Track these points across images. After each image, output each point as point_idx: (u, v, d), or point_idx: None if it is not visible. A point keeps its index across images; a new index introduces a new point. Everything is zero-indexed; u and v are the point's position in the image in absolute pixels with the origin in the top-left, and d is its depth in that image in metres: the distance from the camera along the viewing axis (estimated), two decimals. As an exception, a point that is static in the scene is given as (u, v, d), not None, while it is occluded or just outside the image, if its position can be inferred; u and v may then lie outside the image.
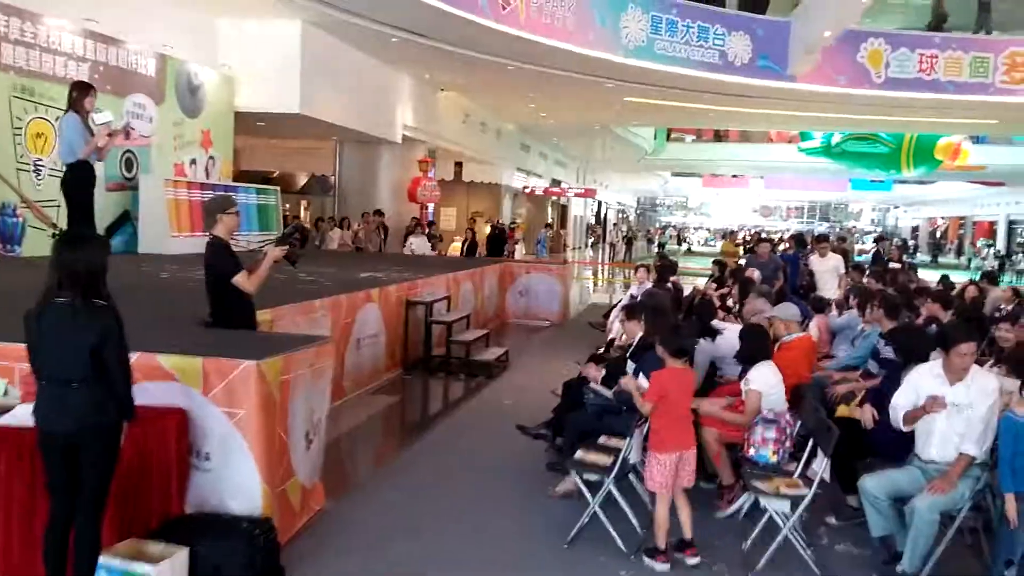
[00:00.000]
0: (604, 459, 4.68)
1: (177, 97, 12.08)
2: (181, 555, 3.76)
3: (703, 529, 4.83)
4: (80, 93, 6.87)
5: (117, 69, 10.84)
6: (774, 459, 4.67)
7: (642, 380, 4.99)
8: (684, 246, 54.09)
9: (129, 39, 11.05)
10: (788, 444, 4.72)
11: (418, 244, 16.32)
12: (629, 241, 38.32)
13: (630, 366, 5.53)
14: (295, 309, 6.53)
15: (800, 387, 5.16)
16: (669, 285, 8.51)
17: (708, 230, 65.53)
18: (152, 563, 3.63)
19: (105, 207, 10.63)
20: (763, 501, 4.39)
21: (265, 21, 12.77)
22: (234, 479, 4.20)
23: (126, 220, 11.18)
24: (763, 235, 14.92)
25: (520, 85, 17.99)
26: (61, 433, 3.34)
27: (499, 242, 19.87)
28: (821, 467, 4.30)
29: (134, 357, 4.16)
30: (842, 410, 5.47)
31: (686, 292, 9.87)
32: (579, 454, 4.81)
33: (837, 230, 51.19)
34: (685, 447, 4.34)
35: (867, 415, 4.93)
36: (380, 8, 12.20)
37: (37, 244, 9.14)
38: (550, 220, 32.08)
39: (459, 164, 24.77)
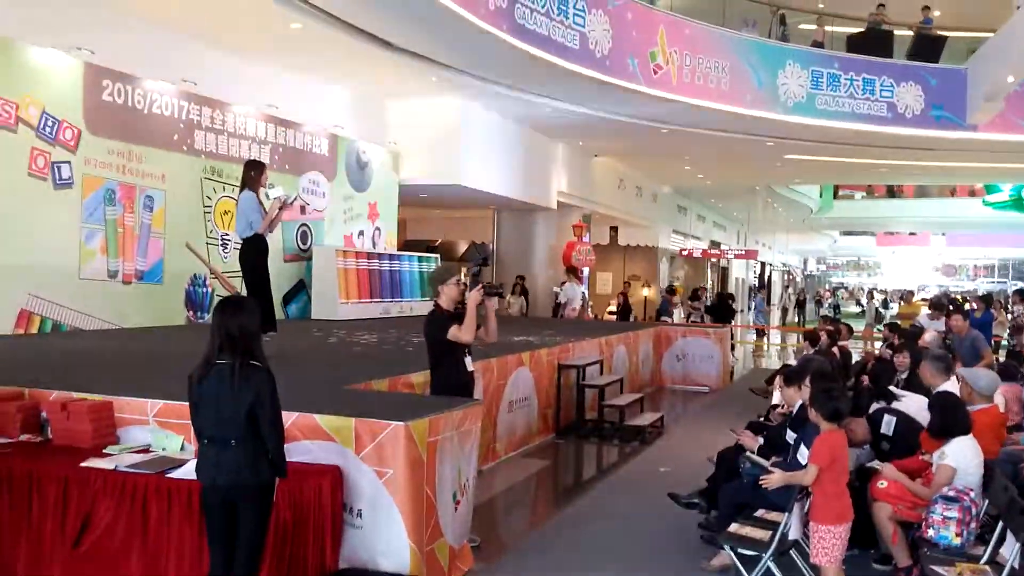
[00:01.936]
0: (761, 534, 4.43)
1: (347, 173, 12.90)
2: (334, 611, 3.87)
3: (875, 613, 4.47)
4: (257, 172, 7.45)
5: (294, 150, 11.75)
6: (957, 541, 4.24)
7: (803, 451, 4.73)
8: (860, 308, 51.11)
9: (305, 122, 11.97)
10: (973, 525, 4.28)
11: (571, 291, 16.36)
12: (801, 304, 36.58)
13: (790, 436, 5.26)
14: (448, 372, 6.67)
15: (987, 463, 4.69)
16: (835, 350, 8.05)
17: (884, 292, 61.80)
18: (306, 618, 3.75)
19: (282, 276, 11.44)
20: (942, 586, 3.98)
21: (428, 99, 13.48)
22: (384, 537, 4.29)
23: (301, 289, 11.94)
24: (947, 295, 13.60)
25: (675, 148, 17.94)
26: (221, 487, 3.53)
27: (726, 308, 19.40)
28: (1012, 553, 3.87)
29: (294, 416, 4.43)
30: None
31: (857, 357, 9.32)
32: (734, 527, 4.58)
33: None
34: (851, 517, 4.05)
35: (1064, 493, 4.40)
36: (534, 82, 12.61)
37: (222, 312, 9.90)
38: (709, 283, 31.33)
39: (614, 228, 24.81)
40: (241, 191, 7.49)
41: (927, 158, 18.12)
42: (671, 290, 24.00)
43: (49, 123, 8.30)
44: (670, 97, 13.37)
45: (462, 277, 5.52)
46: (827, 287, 58.55)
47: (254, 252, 7.45)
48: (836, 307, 41.44)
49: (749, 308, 29.92)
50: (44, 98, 8.25)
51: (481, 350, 8.22)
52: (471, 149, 13.91)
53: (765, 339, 21.64)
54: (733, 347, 17.68)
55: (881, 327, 22.70)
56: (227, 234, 10.31)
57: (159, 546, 4.03)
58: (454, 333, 5.21)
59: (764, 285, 44.78)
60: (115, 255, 8.97)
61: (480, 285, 5.36)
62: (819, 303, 44.14)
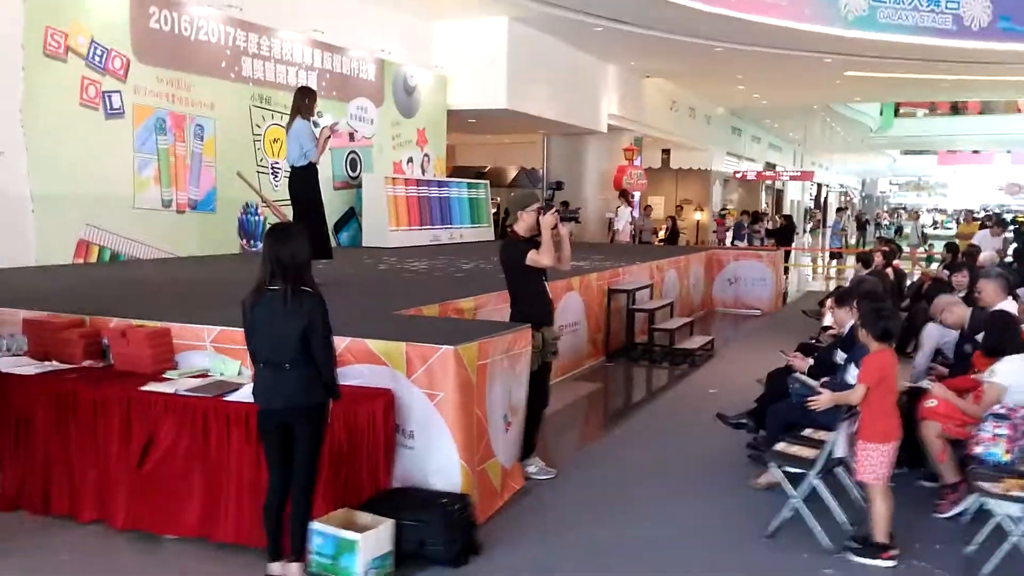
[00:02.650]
0: (808, 452, 4.44)
1: (395, 99, 12.84)
2: (386, 526, 3.99)
3: (922, 531, 4.49)
4: (310, 99, 7.41)
5: (341, 76, 11.70)
6: (1007, 458, 4.21)
7: (852, 371, 4.69)
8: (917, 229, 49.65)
9: (351, 47, 11.88)
10: (1023, 443, 4.23)
11: (623, 214, 16.29)
12: (863, 225, 35.50)
13: (840, 356, 5.22)
14: (497, 297, 6.72)
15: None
16: (889, 271, 7.89)
17: (944, 211, 59.90)
18: (360, 532, 3.90)
19: (333, 204, 11.53)
20: (990, 503, 3.96)
21: (474, 20, 13.25)
22: (435, 457, 4.40)
23: (352, 216, 12.05)
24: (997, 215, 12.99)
25: (730, 67, 17.42)
26: (277, 410, 3.64)
27: (788, 231, 19.35)
28: (1063, 469, 3.83)
29: (346, 341, 4.53)
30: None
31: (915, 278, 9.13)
32: (781, 446, 4.60)
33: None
34: (899, 435, 4.04)
35: None
36: (583, -1, 12.27)
37: (275, 240, 10.07)
38: (764, 206, 30.71)
39: (667, 151, 24.39)
40: (292, 118, 7.48)
41: (994, 72, 17.31)
42: (722, 214, 23.67)
43: (98, 52, 8.39)
44: (725, 13, 12.90)
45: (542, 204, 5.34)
46: (885, 208, 57.02)
47: (307, 180, 7.48)
48: (899, 229, 40.23)
49: (826, 229, 29.03)
50: (92, 27, 8.32)
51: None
52: (519, 71, 13.68)
53: (836, 261, 21.13)
54: (787, 270, 17.45)
55: (925, 247, 22.11)
56: (277, 162, 10.41)
57: (219, 466, 4.20)
58: (533, 257, 5.12)
59: (820, 206, 43.81)
60: (168, 184, 9.14)
61: (555, 209, 5.22)
62: (878, 225, 42.99)
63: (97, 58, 8.40)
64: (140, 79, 8.81)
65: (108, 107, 8.53)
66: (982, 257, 7.95)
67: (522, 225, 5.28)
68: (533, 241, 5.22)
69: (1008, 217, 25.05)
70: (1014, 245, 14.36)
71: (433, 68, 13.65)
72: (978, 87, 21.45)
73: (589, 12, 12.90)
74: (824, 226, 40.52)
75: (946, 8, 15.09)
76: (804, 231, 39.15)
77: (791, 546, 4.30)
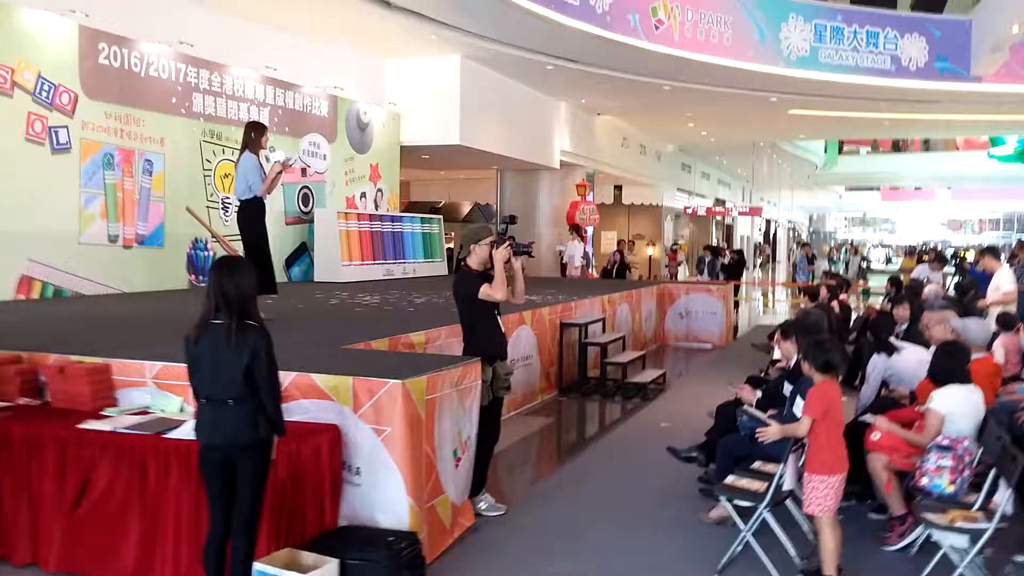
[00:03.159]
0: (757, 485, 4.46)
1: (348, 135, 12.83)
2: (331, 567, 3.90)
3: (870, 563, 4.52)
4: (257, 133, 7.36)
5: (293, 112, 11.67)
6: (951, 489, 4.26)
7: (799, 403, 4.74)
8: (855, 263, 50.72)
9: (304, 83, 11.87)
10: (967, 473, 4.30)
11: (572, 248, 16.37)
12: (811, 260, 36.24)
13: (787, 388, 5.28)
14: (448, 331, 6.70)
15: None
16: (835, 304, 8.04)
17: (889, 247, 61.45)
18: (304, 572, 3.80)
19: (284, 239, 11.45)
20: (936, 535, 4.02)
21: (427, 58, 13.35)
22: (383, 494, 4.32)
23: (304, 251, 11.94)
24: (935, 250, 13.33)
25: (678, 105, 17.76)
26: (219, 447, 3.56)
27: (739, 266, 19.72)
28: (1004, 499, 3.89)
29: (292, 376, 4.46)
30: (1033, 437, 4.94)
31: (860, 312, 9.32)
32: (730, 479, 4.61)
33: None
34: (845, 468, 4.08)
35: (1057, 442, 4.42)
36: (534, 38, 12.46)
37: (223, 275, 9.93)
38: (717, 242, 31.19)
39: (619, 187, 24.70)
40: (241, 153, 7.42)
41: (931, 111, 17.92)
42: (674, 249, 24.01)
43: (45, 87, 8.25)
44: (672, 53, 13.20)
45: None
46: (833, 243, 58.28)
47: (252, 215, 7.40)
48: (847, 264, 41.02)
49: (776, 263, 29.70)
50: (39, 62, 8.20)
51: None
52: (471, 108, 13.80)
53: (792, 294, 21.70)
54: (738, 304, 17.73)
55: (861, 281, 22.77)
56: (227, 197, 10.29)
57: (158, 506, 4.07)
58: (485, 291, 5.09)
59: (769, 241, 44.66)
60: (115, 219, 8.97)
61: (507, 242, 5.19)
62: (829, 260, 43.81)
63: (44, 93, 8.26)
64: (88, 114, 8.68)
65: (55, 142, 8.38)
66: (927, 291, 8.16)
67: (475, 259, 5.25)
68: (486, 275, 5.21)
69: (949, 252, 25.78)
70: (955, 279, 14.76)
71: (386, 105, 13.70)
72: (918, 126, 22.18)
73: (539, 51, 13.08)
74: (774, 261, 41.33)
75: (884, 49, 15.65)
76: (754, 266, 39.86)
77: (742, 580, 4.30)
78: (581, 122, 18.55)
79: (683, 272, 24.46)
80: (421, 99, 13.64)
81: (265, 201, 7.37)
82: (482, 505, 5.28)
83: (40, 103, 8.20)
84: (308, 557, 3.96)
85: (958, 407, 4.49)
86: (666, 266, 23.13)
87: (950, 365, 4.66)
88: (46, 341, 5.40)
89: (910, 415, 4.96)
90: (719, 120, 19.99)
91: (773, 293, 27.40)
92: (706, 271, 20.57)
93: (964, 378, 4.61)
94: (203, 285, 10.01)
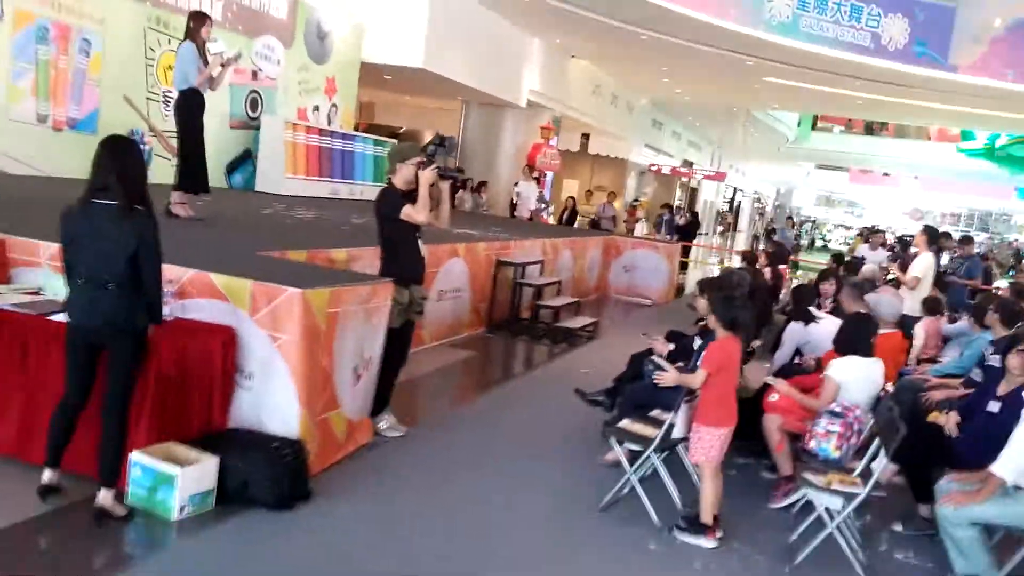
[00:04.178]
0: (651, 431, 4.46)
1: (305, 42, 12.40)
2: (209, 463, 3.85)
3: (751, 519, 4.59)
4: (197, 22, 7.02)
5: (249, 10, 11.20)
6: (836, 454, 4.31)
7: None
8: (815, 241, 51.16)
9: (264, -19, 11.39)
10: (854, 441, 4.35)
11: (524, 188, 16.15)
12: (770, 232, 36.61)
13: (697, 343, 5.28)
14: (374, 252, 6.53)
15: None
16: (767, 270, 8.07)
17: (848, 228, 62.21)
18: (181, 466, 3.72)
19: (227, 143, 11.10)
20: (812, 495, 4.07)
21: (397, -29, 12.89)
22: (273, 401, 4.25)
23: (247, 158, 11.60)
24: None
25: (655, 57, 17.49)
26: (91, 329, 3.46)
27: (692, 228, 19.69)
28: (880, 467, 3.94)
29: (190, 274, 4.32)
30: (933, 416, 5.03)
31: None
32: (624, 423, 4.62)
33: (996, 242, 47.12)
34: (733, 422, 4.10)
35: (951, 422, 4.51)
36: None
37: (161, 172, 9.59)
38: (677, 202, 31.21)
39: (586, 136, 24.45)
40: (182, 43, 7.10)
41: (905, 95, 17.94)
42: (634, 205, 23.97)
43: (-23, -52, 7.77)
44: (652, 0, 12.91)
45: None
46: (796, 218, 58.80)
47: (188, 107, 7.11)
48: (812, 241, 41.29)
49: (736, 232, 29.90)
50: (-27, -80, 7.71)
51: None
52: (438, 32, 13.40)
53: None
54: (686, 265, 17.82)
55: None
56: (169, 91, 9.88)
57: (38, 385, 3.96)
58: (407, 212, 4.94)
59: (733, 211, 44.89)
60: (46, 98, 8.57)
61: (435, 165, 5.06)
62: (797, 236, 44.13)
63: (-25, -47, 7.78)
64: (25, -18, 8.20)
65: (-15, 8, 7.92)
66: (864, 270, 8.23)
67: (400, 177, 5.11)
68: (411, 195, 5.08)
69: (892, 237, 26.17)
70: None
71: (350, 16, 13.23)
72: (891, 109, 22.19)
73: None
74: (735, 229, 41.55)
75: (866, 25, 15.52)
76: (714, 232, 40.09)
77: (623, 521, 4.33)
78: (553, 62, 18.21)
79: (640, 229, 24.45)
80: (387, 15, 13.20)
81: (205, 96, 7.08)
82: (382, 424, 5.23)
83: (-28, -35, 7.74)
84: (188, 452, 3.90)
85: (855, 377, 4.53)
86: (624, 221, 23.09)
87: (854, 336, 4.69)
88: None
89: (812, 381, 5.00)
90: (694, 78, 19.79)
91: (730, 260, 27.59)
92: (664, 229, 20.70)
93: (866, 351, 4.64)
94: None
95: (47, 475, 3.63)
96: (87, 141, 9.02)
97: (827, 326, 6.02)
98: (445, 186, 5.24)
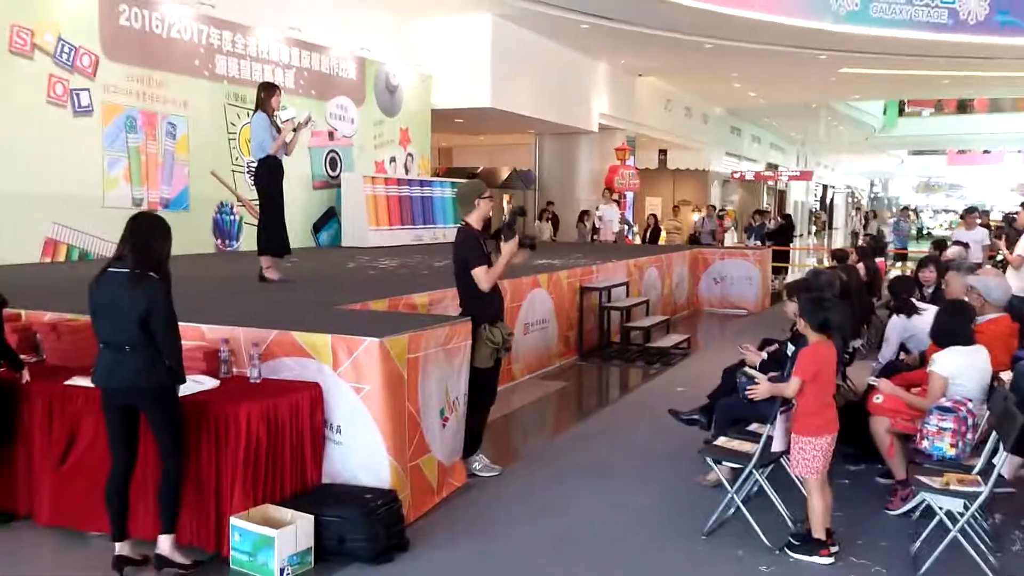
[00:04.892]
0: (749, 447, 4.29)
1: (376, 98, 12.75)
2: (305, 522, 3.89)
3: (869, 527, 4.34)
4: (267, 93, 7.31)
5: (320, 74, 11.62)
6: (952, 452, 4.05)
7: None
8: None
9: (331, 45, 11.80)
10: (970, 436, 4.08)
11: (605, 212, 16.02)
12: (865, 225, 35.06)
13: (790, 349, 5.08)
14: (454, 293, 6.58)
15: (994, 375, 4.45)
16: (860, 266, 7.72)
17: (954, 212, 59.23)
18: (279, 528, 3.79)
19: (311, 204, 11.48)
20: (929, 498, 3.82)
21: (457, 18, 13.16)
22: (363, 452, 4.28)
23: (332, 216, 11.96)
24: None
25: (722, 65, 17.25)
26: (117, 391, 3.66)
27: (787, 231, 19.21)
28: (1001, 461, 3.66)
29: (273, 334, 4.44)
30: (1056, 402, 4.66)
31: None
32: (720, 440, 4.47)
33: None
34: (834, 430, 3.90)
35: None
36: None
37: (252, 239, 9.97)
38: (765, 206, 30.44)
39: (663, 152, 24.20)
40: (254, 114, 7.40)
41: (992, 68, 17.08)
42: (721, 215, 23.45)
43: (66, 49, 8.34)
44: (707, 8, 12.76)
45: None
46: (894, 208, 56.47)
47: (267, 174, 7.38)
48: (920, 231, 39.41)
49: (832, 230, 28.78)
50: (60, 24, 8.27)
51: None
52: (503, 69, 13.57)
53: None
54: (784, 270, 17.28)
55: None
56: (252, 161, 10.30)
57: (143, 460, 4.08)
58: (478, 274, 4.95)
59: (826, 208, 43.47)
60: (139, 183, 9.08)
61: (516, 236, 5.09)
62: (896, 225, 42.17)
63: (65, 55, 8.35)
64: (110, 77, 8.76)
65: (76, 105, 8.48)
66: (949, 252, 7.79)
67: (477, 214, 5.09)
68: (485, 235, 5.10)
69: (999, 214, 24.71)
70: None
71: (416, 66, 13.56)
72: (981, 83, 21.17)
73: (572, 8, 12.78)
74: (830, 227, 40.20)
75: (941, 3, 14.89)
76: (809, 232, 38.85)
77: (730, 543, 4.16)
78: (621, 84, 18.16)
79: (730, 238, 23.92)
80: (452, 60, 13.47)
81: (282, 161, 7.33)
82: (476, 465, 5.21)
83: (61, 65, 8.30)
84: (284, 513, 3.96)
85: (961, 369, 4.26)
86: (711, 231, 22.64)
87: (951, 326, 4.44)
88: (47, 300, 5.46)
89: (918, 377, 4.73)
90: (766, 80, 19.38)
91: (830, 260, 26.64)
92: (754, 236, 20.11)
93: (967, 339, 4.36)
94: (231, 250, 10.19)
95: (118, 548, 3.78)
96: (182, 218, 9.52)
97: (931, 317, 5.71)
98: (523, 256, 5.22)
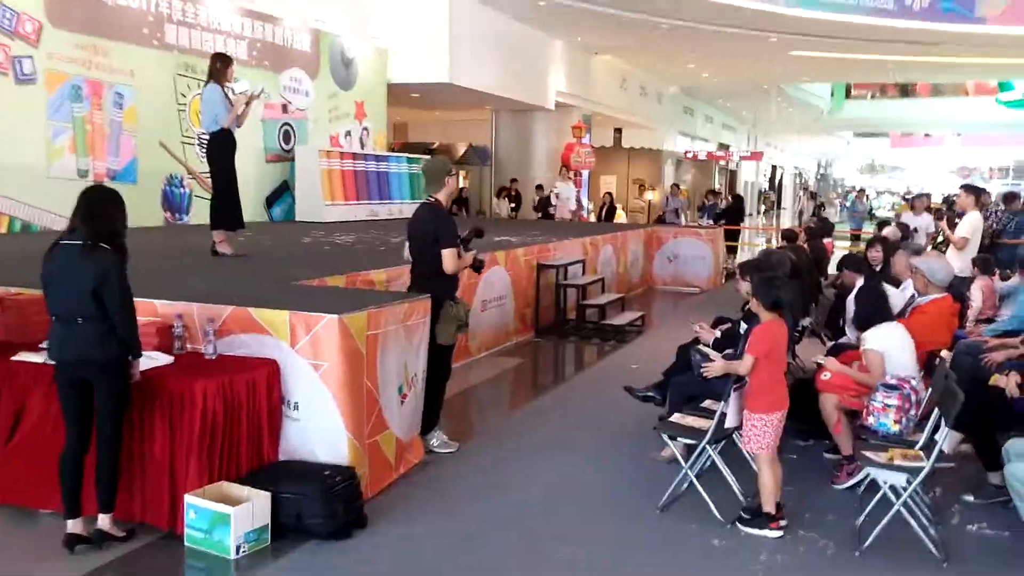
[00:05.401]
0: (703, 423, 4.39)
1: (331, 71, 12.55)
2: (261, 499, 3.88)
3: (816, 504, 4.47)
4: (222, 64, 7.16)
5: (273, 45, 11.40)
6: (896, 428, 4.20)
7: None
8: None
9: (284, 16, 11.57)
10: (913, 412, 4.23)
11: (563, 190, 16.10)
12: (820, 207, 35.77)
13: (742, 327, 5.18)
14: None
15: (933, 353, 4.62)
16: (806, 245, 7.90)
17: (896, 194, 60.72)
18: (235, 505, 3.77)
19: (264, 177, 11.30)
20: (874, 473, 3.95)
21: (414, -9, 13.00)
22: (321, 429, 4.28)
23: (285, 190, 11.79)
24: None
25: (677, 45, 17.35)
26: (69, 363, 3.61)
27: (738, 211, 19.32)
28: (942, 437, 3.81)
29: (228, 310, 4.39)
30: (994, 379, 4.85)
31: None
32: (676, 417, 4.55)
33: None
34: (784, 407, 4.01)
35: (1011, 383, 4.34)
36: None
37: (202, 212, 9.80)
38: (717, 187, 30.82)
39: (618, 130, 24.30)
40: (206, 85, 7.24)
41: (935, 53, 17.48)
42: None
43: (7, 15, 8.06)
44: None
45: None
46: (840, 190, 57.66)
47: (220, 147, 7.25)
48: (870, 212, 40.18)
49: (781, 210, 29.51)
50: (-1, -11, 7.98)
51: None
52: (461, 45, 13.47)
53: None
54: (735, 249, 17.55)
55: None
56: (204, 134, 10.10)
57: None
58: (447, 255, 5.00)
59: (775, 188, 44.15)
60: (84, 153, 8.83)
61: (474, 256, 5.29)
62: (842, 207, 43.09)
63: (6, 21, 8.07)
64: (54, 44, 8.47)
65: (19, 72, 8.20)
66: (886, 230, 8.09)
67: (446, 191, 5.17)
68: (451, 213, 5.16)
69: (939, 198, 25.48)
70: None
71: (372, 39, 13.37)
72: (924, 69, 21.65)
73: (530, -16, 12.73)
74: (779, 207, 40.86)
75: (886, -12, 15.16)
76: (758, 212, 39.44)
77: (684, 517, 4.26)
78: (577, 61, 18.16)
79: (683, 218, 24.19)
80: (408, 34, 13.32)
81: (235, 134, 7.20)
82: (434, 442, 5.24)
83: (2, 31, 8.01)
84: (241, 490, 3.94)
85: (890, 342, 4.46)
86: (675, 210, 22.91)
87: (869, 309, 4.65)
88: (-8, 273, 5.31)
89: (858, 356, 4.87)
90: (720, 61, 19.55)
91: (777, 239, 27.12)
92: (707, 216, 20.48)
93: (886, 316, 4.59)
94: (180, 223, 9.99)
95: (70, 525, 3.73)
96: (128, 191, 9.18)
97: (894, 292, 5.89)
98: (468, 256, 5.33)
